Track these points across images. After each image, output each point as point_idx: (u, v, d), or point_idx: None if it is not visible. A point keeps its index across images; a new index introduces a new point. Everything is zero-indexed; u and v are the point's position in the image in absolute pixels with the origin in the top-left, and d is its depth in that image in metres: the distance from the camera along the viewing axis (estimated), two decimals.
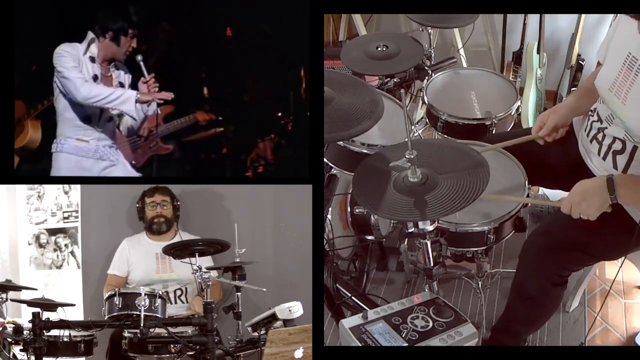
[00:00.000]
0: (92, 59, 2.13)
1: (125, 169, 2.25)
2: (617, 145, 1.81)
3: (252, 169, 2.56)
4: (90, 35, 2.14)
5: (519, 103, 2.42)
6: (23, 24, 2.22)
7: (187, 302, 2.42)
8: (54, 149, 2.17)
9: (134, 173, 2.29)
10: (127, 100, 2.10)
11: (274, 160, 2.55)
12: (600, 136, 1.86)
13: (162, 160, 2.51)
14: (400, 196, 1.60)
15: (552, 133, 2.03)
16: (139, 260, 2.43)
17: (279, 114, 2.56)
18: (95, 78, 2.13)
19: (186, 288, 2.42)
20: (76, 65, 2.08)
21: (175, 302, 2.40)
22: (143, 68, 2.14)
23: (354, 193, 1.73)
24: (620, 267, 1.81)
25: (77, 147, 2.13)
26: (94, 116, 2.17)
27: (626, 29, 1.70)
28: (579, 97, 2.03)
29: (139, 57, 2.13)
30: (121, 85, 2.21)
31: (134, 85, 2.22)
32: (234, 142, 2.55)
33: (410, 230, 1.73)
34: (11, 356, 2.00)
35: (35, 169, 2.26)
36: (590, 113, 1.95)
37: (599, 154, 1.88)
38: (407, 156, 1.58)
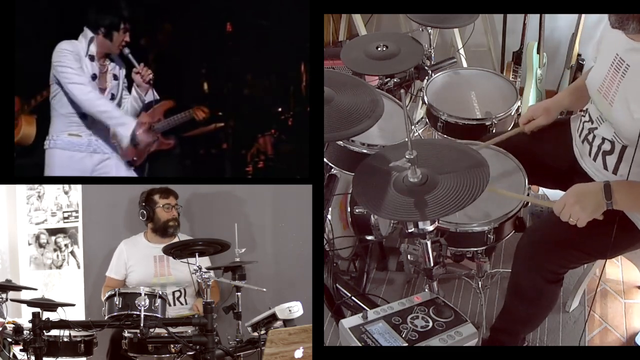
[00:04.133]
0: (92, 58, 2.15)
1: (119, 162, 2.24)
2: (607, 146, 1.80)
3: (253, 164, 2.55)
4: (90, 34, 2.15)
5: (519, 103, 2.42)
6: (22, 20, 2.22)
7: (187, 303, 2.41)
8: (47, 146, 2.17)
9: (127, 167, 2.28)
10: (125, 125, 2.16)
11: (274, 156, 2.55)
12: (590, 137, 1.87)
13: (162, 156, 2.50)
14: (401, 196, 1.60)
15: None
16: (137, 263, 2.42)
17: (279, 109, 2.56)
18: (94, 77, 2.14)
19: (185, 289, 2.41)
20: (79, 66, 2.10)
21: (174, 304, 2.38)
22: (133, 60, 2.18)
23: (354, 193, 1.73)
24: (614, 264, 1.81)
25: (70, 142, 2.15)
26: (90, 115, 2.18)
27: (616, 30, 1.67)
28: (570, 95, 2.06)
29: (127, 50, 2.17)
30: (115, 78, 2.21)
31: (128, 79, 2.26)
32: (234, 137, 2.54)
33: (410, 231, 1.72)
34: (11, 356, 2.00)
35: (29, 165, 2.24)
36: (582, 113, 1.95)
37: (589, 154, 1.88)
38: (407, 156, 1.58)
